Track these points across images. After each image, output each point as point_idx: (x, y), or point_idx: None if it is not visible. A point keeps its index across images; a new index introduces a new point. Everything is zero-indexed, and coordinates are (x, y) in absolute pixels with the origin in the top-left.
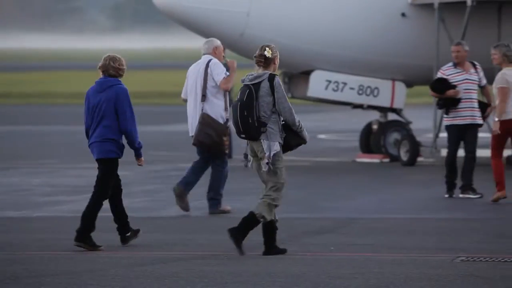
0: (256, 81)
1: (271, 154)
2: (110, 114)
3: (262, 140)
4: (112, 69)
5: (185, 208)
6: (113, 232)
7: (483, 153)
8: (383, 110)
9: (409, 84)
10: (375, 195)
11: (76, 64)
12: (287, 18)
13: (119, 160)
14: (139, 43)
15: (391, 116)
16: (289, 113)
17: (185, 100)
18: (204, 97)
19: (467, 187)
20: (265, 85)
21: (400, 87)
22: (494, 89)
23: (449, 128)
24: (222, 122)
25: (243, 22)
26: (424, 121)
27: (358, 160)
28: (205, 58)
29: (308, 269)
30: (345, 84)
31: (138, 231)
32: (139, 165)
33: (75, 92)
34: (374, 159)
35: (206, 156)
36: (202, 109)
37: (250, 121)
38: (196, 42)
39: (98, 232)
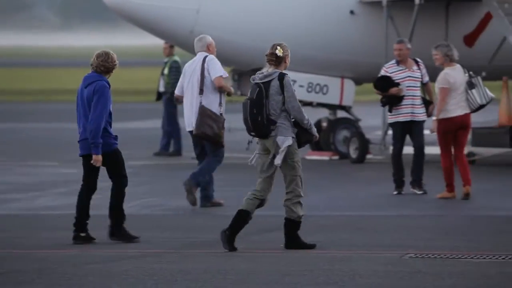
0: (266, 79)
1: (283, 149)
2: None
3: (273, 137)
4: (96, 65)
5: (193, 202)
6: (62, 230)
7: (433, 150)
8: (332, 107)
9: (358, 81)
10: (325, 193)
11: (23, 61)
12: (237, 16)
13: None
14: (88, 40)
15: (341, 114)
16: (298, 111)
17: (179, 98)
18: (201, 91)
19: (416, 183)
20: (275, 84)
21: (349, 84)
22: (437, 88)
23: (393, 125)
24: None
25: (192, 20)
26: (373, 118)
27: (308, 157)
28: (200, 55)
29: (257, 266)
30: (294, 81)
31: (92, 239)
32: (93, 163)
33: (22, 90)
34: (324, 156)
35: (203, 150)
36: (201, 102)
37: (260, 119)
38: (145, 40)
39: (54, 230)
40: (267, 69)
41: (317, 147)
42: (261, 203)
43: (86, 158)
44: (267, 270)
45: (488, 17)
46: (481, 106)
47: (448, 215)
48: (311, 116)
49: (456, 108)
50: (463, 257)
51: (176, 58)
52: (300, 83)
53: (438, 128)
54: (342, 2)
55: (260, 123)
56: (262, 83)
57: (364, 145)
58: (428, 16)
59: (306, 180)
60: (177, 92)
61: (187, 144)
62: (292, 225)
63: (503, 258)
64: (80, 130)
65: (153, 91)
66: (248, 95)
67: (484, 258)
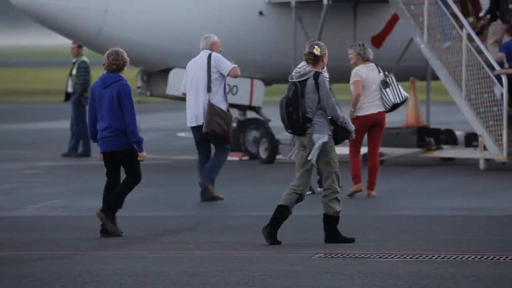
0: (302, 78)
1: (318, 147)
2: (117, 109)
3: (309, 134)
4: (108, 65)
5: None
6: None
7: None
8: (242, 108)
9: (267, 82)
10: (235, 193)
11: None
12: (145, 16)
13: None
14: None
15: (250, 114)
16: (332, 109)
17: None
18: (209, 88)
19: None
20: (310, 83)
21: (259, 85)
22: (351, 85)
23: None
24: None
25: (100, 20)
26: None
27: None
28: (204, 53)
29: (167, 267)
30: None
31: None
32: (140, 160)
33: None
34: (234, 157)
35: (207, 148)
36: (209, 100)
37: (295, 117)
38: (53, 40)
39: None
40: (304, 67)
41: None
42: (299, 197)
43: (108, 155)
44: (177, 271)
45: (395, 18)
46: (396, 105)
47: (355, 215)
48: None
49: (369, 106)
50: (371, 256)
51: (85, 58)
52: None
53: (357, 124)
54: (251, 3)
55: (296, 121)
56: (298, 82)
57: (274, 145)
58: (336, 17)
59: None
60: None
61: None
62: (330, 221)
63: (411, 258)
64: (100, 128)
65: (61, 92)
66: (285, 93)
67: (393, 258)
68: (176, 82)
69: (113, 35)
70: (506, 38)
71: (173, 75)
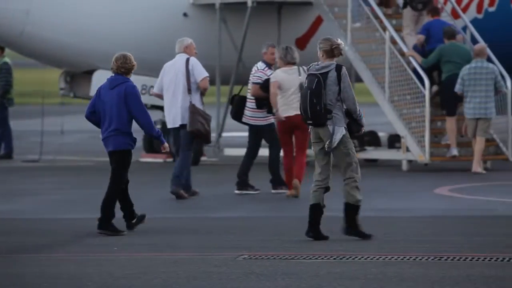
0: (324, 70)
1: (338, 138)
2: (122, 110)
3: (328, 126)
4: (117, 68)
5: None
6: None
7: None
8: None
9: None
10: (159, 195)
11: None
12: (68, 16)
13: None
14: None
15: None
16: (352, 101)
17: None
18: (189, 90)
19: (241, 184)
20: (332, 75)
21: None
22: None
23: (270, 126)
24: None
25: (22, 21)
26: None
27: (142, 159)
28: (181, 56)
29: (91, 270)
30: None
31: (144, 216)
32: (164, 152)
33: None
34: (158, 158)
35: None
36: (190, 101)
37: (318, 108)
38: None
39: None
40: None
41: (151, 149)
42: (326, 189)
43: (116, 154)
44: (101, 273)
45: (319, 20)
46: None
47: (280, 216)
48: None
49: (287, 109)
50: (295, 257)
51: (6, 59)
52: None
53: (278, 127)
54: (175, 5)
55: (318, 112)
56: (320, 74)
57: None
58: (261, 19)
59: (139, 183)
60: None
61: (19, 146)
62: (351, 209)
63: (334, 259)
64: (109, 128)
65: None
66: (306, 85)
67: (316, 259)
68: (100, 84)
69: (35, 36)
70: (426, 20)
71: (96, 76)
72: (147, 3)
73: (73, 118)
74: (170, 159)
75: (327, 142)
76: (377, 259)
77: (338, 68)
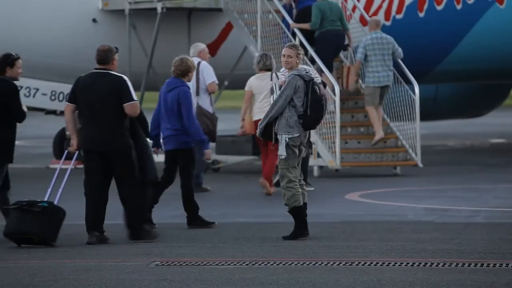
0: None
1: None
2: (174, 111)
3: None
4: (173, 71)
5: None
6: None
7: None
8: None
9: None
10: (70, 201)
11: None
12: None
13: None
14: None
15: None
16: None
17: None
18: (198, 92)
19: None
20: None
21: None
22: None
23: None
24: None
25: None
26: None
27: (52, 166)
28: (194, 60)
29: (0, 278)
30: (37, 89)
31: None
32: (207, 159)
33: None
34: (68, 165)
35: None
36: (198, 103)
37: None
38: None
39: None
40: (285, 71)
41: (62, 156)
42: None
43: (170, 153)
44: (10, 281)
45: (229, 27)
46: None
47: None
48: (55, 124)
49: (259, 112)
50: (208, 264)
51: None
52: (43, 91)
53: (247, 129)
54: (85, 10)
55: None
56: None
57: None
58: (170, 25)
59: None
60: None
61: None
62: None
63: (247, 265)
64: (163, 127)
65: None
66: (319, 92)
67: (229, 265)
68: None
69: None
70: None
71: None
72: (57, 9)
73: None
74: (80, 166)
75: (304, 146)
76: (289, 264)
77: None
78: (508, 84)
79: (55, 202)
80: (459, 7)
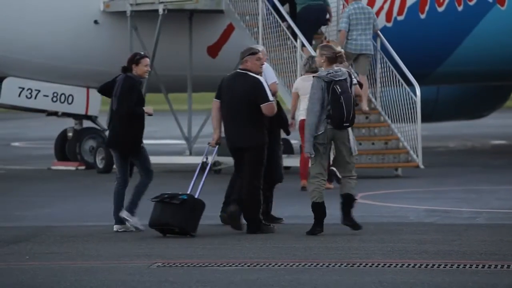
0: (345, 76)
1: (352, 138)
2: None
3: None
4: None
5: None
6: None
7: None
8: (78, 117)
9: None
10: (72, 203)
11: None
12: None
13: None
14: None
15: (87, 124)
16: None
17: None
18: None
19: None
20: (348, 80)
21: (95, 94)
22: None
23: None
24: None
25: None
26: None
27: (54, 167)
28: None
29: (1, 279)
30: (38, 91)
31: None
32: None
33: None
34: (70, 166)
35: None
36: None
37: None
38: None
39: None
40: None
41: (63, 157)
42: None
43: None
44: (12, 283)
45: (230, 29)
46: None
47: None
48: (56, 125)
49: (305, 112)
50: (210, 265)
51: None
52: (44, 92)
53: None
54: (86, 12)
55: (355, 115)
56: (344, 79)
57: (111, 155)
58: (172, 27)
59: (52, 190)
60: None
61: None
62: (349, 201)
63: (248, 266)
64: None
65: None
66: (339, 90)
67: (231, 266)
68: (10, 91)
69: None
70: None
71: (7, 84)
72: (58, 10)
73: None
74: (83, 167)
75: (348, 143)
76: (291, 266)
77: (349, 74)
78: (510, 86)
79: (196, 196)
80: (460, 8)
